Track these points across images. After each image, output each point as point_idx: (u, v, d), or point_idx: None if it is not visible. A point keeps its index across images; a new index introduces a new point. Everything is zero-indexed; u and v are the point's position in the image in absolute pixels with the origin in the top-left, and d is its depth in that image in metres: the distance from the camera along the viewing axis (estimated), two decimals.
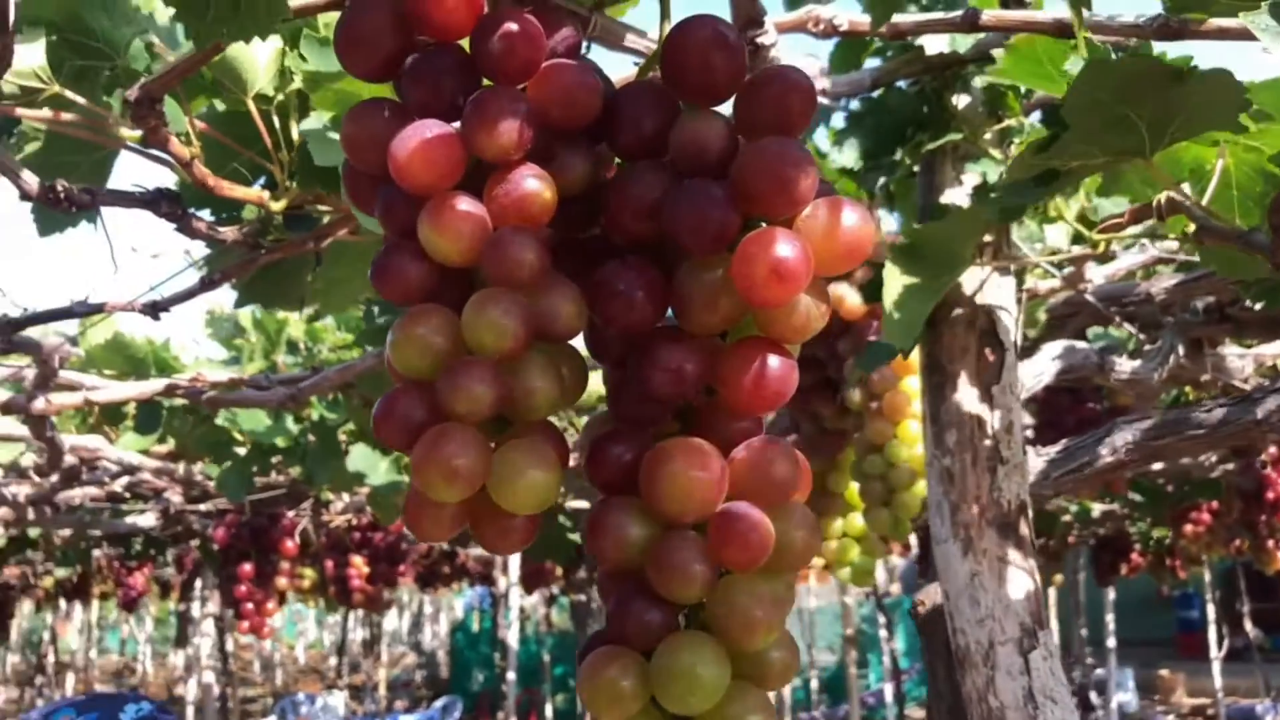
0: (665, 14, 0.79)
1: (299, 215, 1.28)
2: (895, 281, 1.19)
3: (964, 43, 1.25)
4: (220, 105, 1.18)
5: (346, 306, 1.59)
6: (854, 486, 1.79)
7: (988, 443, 1.33)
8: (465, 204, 0.68)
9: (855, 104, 1.33)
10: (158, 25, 1.06)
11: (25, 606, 11.28)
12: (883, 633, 11.88)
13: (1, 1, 0.79)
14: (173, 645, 9.89)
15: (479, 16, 0.68)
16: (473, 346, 0.67)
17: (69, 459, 2.05)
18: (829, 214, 0.67)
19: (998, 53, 1.18)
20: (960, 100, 1.37)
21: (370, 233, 1.35)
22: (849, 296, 1.66)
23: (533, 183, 0.68)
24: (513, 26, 0.67)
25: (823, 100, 1.27)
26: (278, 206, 1.18)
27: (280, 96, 1.18)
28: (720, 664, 0.68)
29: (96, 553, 5.67)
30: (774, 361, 0.69)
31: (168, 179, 1.22)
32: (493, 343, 0.66)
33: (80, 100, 1.04)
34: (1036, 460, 1.63)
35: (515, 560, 9.60)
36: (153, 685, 15.97)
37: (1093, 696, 11.03)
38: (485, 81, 0.70)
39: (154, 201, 1.11)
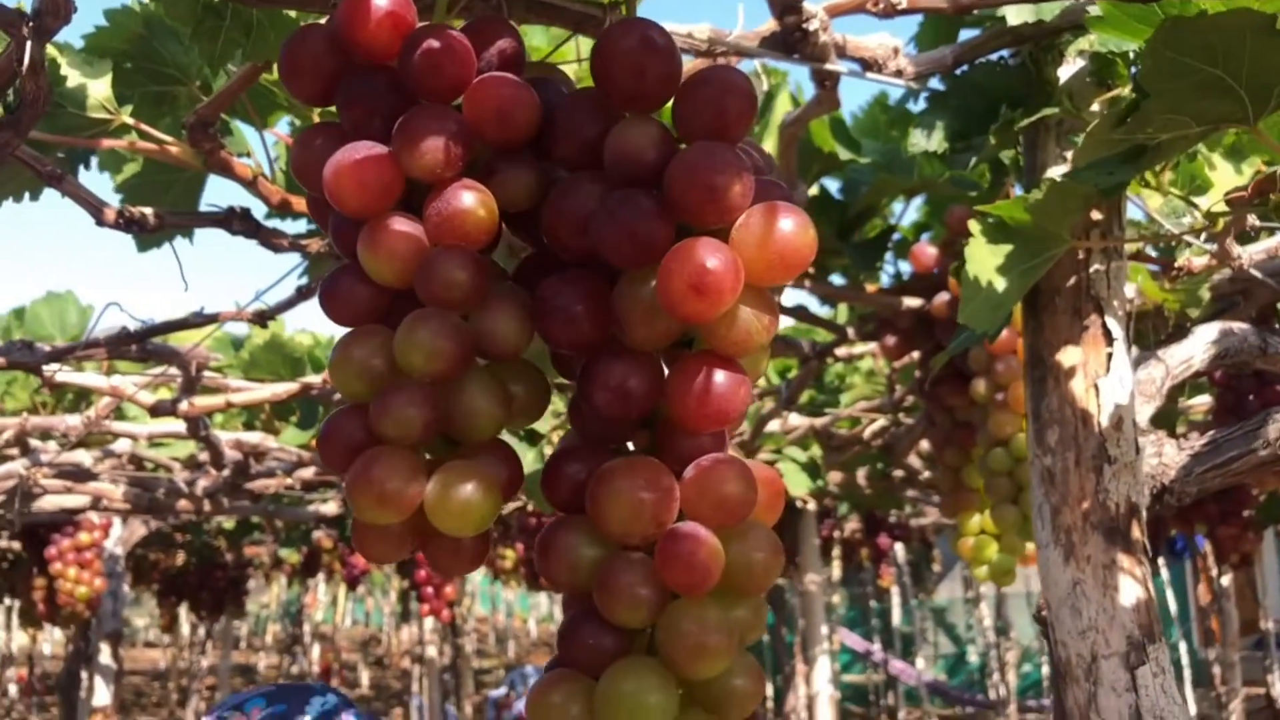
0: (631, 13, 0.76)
1: None
2: (979, 258, 1.11)
3: (1050, 10, 1.15)
4: (297, 121, 1.23)
5: None
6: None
7: (1093, 441, 1.23)
8: (401, 224, 0.68)
9: (938, 84, 1.24)
10: None
11: (280, 580, 12.12)
12: None
13: (24, 44, 0.84)
14: (405, 618, 10.41)
15: (405, 36, 0.67)
16: (404, 368, 0.67)
17: (234, 454, 2.20)
18: (763, 221, 0.63)
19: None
20: (1065, 71, 1.26)
21: None
22: None
23: (467, 199, 0.67)
24: (435, 44, 0.66)
25: (901, 83, 1.20)
26: None
27: None
28: (665, 691, 0.65)
29: (316, 534, 6.06)
30: (719, 377, 0.65)
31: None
32: (422, 364, 0.66)
33: (147, 129, 1.10)
34: (1178, 455, 1.49)
35: None
36: (395, 654, 16.93)
37: None
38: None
39: (226, 220, 1.16)
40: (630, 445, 0.73)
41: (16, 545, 4.99)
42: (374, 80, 0.69)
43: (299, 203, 1.19)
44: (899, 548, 10.03)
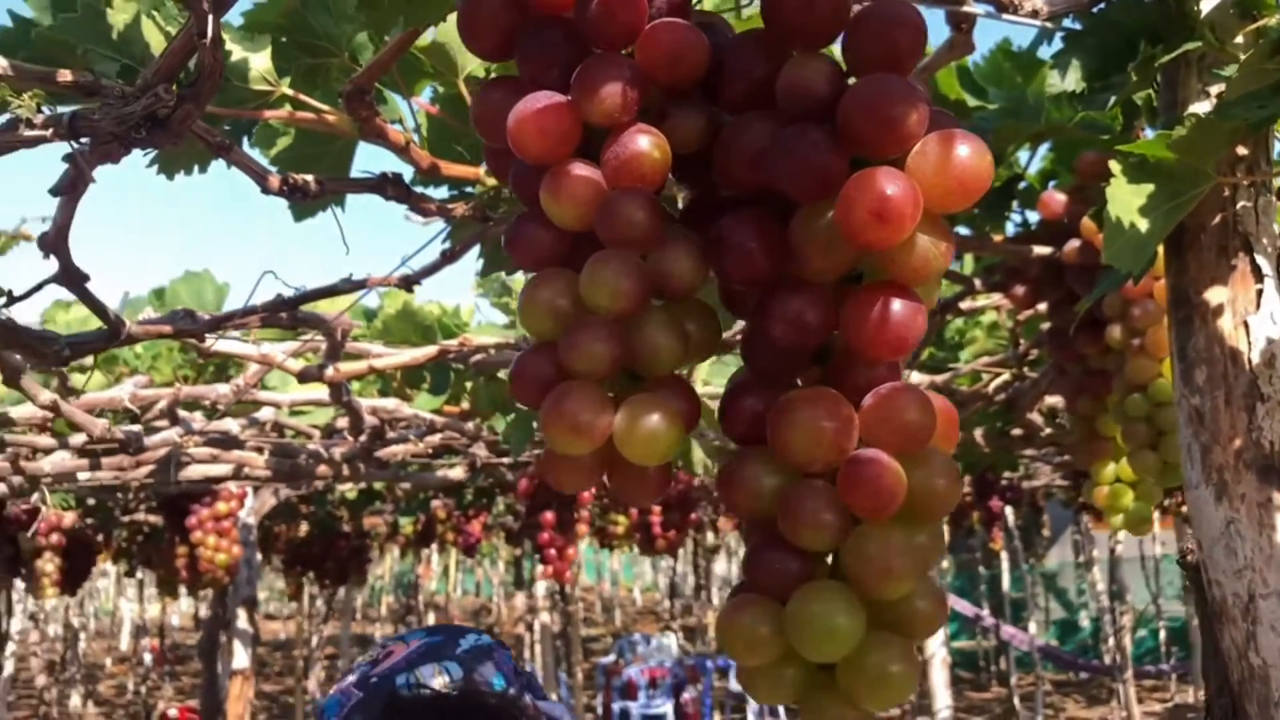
0: None
1: None
2: (1121, 198, 1.10)
3: None
4: (440, 89, 1.27)
5: None
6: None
7: (1244, 379, 1.21)
8: (580, 170, 0.71)
9: (1074, 23, 1.23)
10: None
11: (394, 551, 12.43)
12: None
13: (205, 18, 0.89)
14: (518, 586, 10.61)
15: None
16: (590, 307, 0.70)
17: (372, 420, 2.27)
18: (941, 148, 0.64)
19: None
20: (1206, 4, 1.24)
21: None
22: None
23: (642, 142, 0.70)
24: None
25: (1037, 22, 1.19)
26: (494, 181, 1.25)
27: (490, 76, 1.24)
28: (854, 613, 0.67)
29: (435, 503, 6.22)
30: (897, 305, 0.67)
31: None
32: (607, 302, 0.69)
33: (305, 99, 1.15)
34: None
35: None
36: (505, 623, 17.27)
37: None
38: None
39: (380, 186, 1.21)
40: (799, 382, 0.75)
41: (152, 518, 5.23)
42: (551, 32, 0.72)
43: (447, 167, 1.23)
44: (1008, 512, 9.89)
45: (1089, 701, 12.56)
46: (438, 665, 1.28)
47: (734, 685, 12.95)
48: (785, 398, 0.70)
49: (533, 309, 0.72)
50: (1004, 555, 11.71)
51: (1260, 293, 1.24)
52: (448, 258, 1.41)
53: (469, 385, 2.45)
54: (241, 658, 3.86)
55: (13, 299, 1.17)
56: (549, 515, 3.67)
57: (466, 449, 3.13)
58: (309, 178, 1.14)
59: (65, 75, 0.98)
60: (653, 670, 13.20)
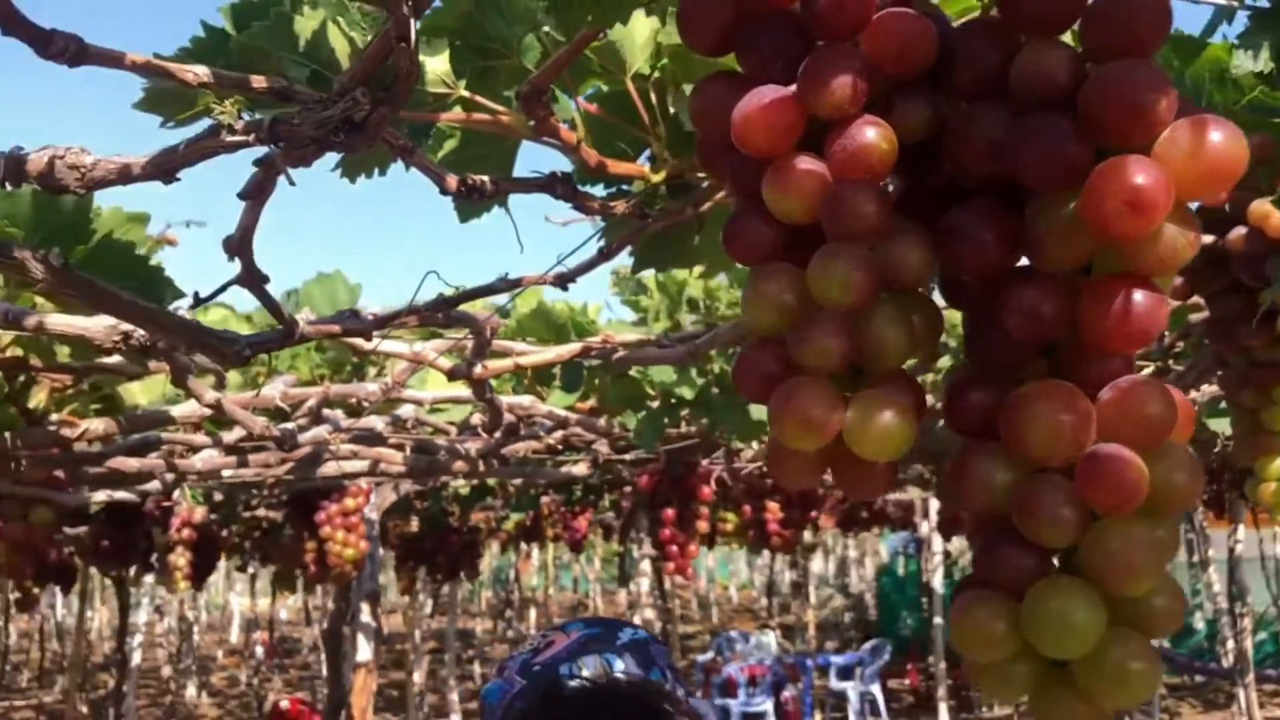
0: None
1: (681, 184, 1.36)
2: None
3: None
4: (604, 87, 1.28)
5: (730, 264, 1.65)
6: None
7: None
8: (805, 163, 0.70)
9: (1263, 1, 1.19)
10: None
11: (493, 547, 12.60)
12: None
13: (406, 22, 0.91)
14: (622, 582, 10.68)
15: None
16: (819, 301, 0.70)
17: (508, 416, 2.30)
18: (1192, 134, 0.63)
19: None
20: None
21: None
22: (1275, 214, 1.50)
23: (870, 134, 0.69)
24: None
25: (1224, 0, 1.16)
26: (658, 178, 1.25)
27: (655, 74, 1.25)
28: (1095, 609, 0.66)
29: (544, 499, 6.27)
30: (1139, 297, 0.65)
31: (560, 162, 1.33)
32: (838, 296, 0.68)
33: (482, 100, 1.16)
34: None
35: (933, 505, 9.48)
36: None
37: None
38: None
39: (550, 185, 1.22)
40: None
41: (272, 514, 5.37)
42: (774, 25, 0.72)
43: (613, 165, 1.24)
44: None
45: (1205, 706, 12.17)
46: (599, 657, 1.29)
47: (834, 684, 12.85)
48: (1021, 392, 0.69)
49: (758, 303, 0.72)
50: None
51: None
52: (605, 255, 1.42)
53: (596, 383, 2.47)
54: (365, 651, 3.95)
55: (200, 300, 1.20)
56: (670, 512, 3.68)
57: (589, 445, 3.16)
58: (485, 178, 1.16)
59: (260, 81, 1.01)
60: (752, 668, 13.15)
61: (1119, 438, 0.67)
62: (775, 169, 0.71)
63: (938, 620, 9.39)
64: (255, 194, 1.10)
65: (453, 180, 1.15)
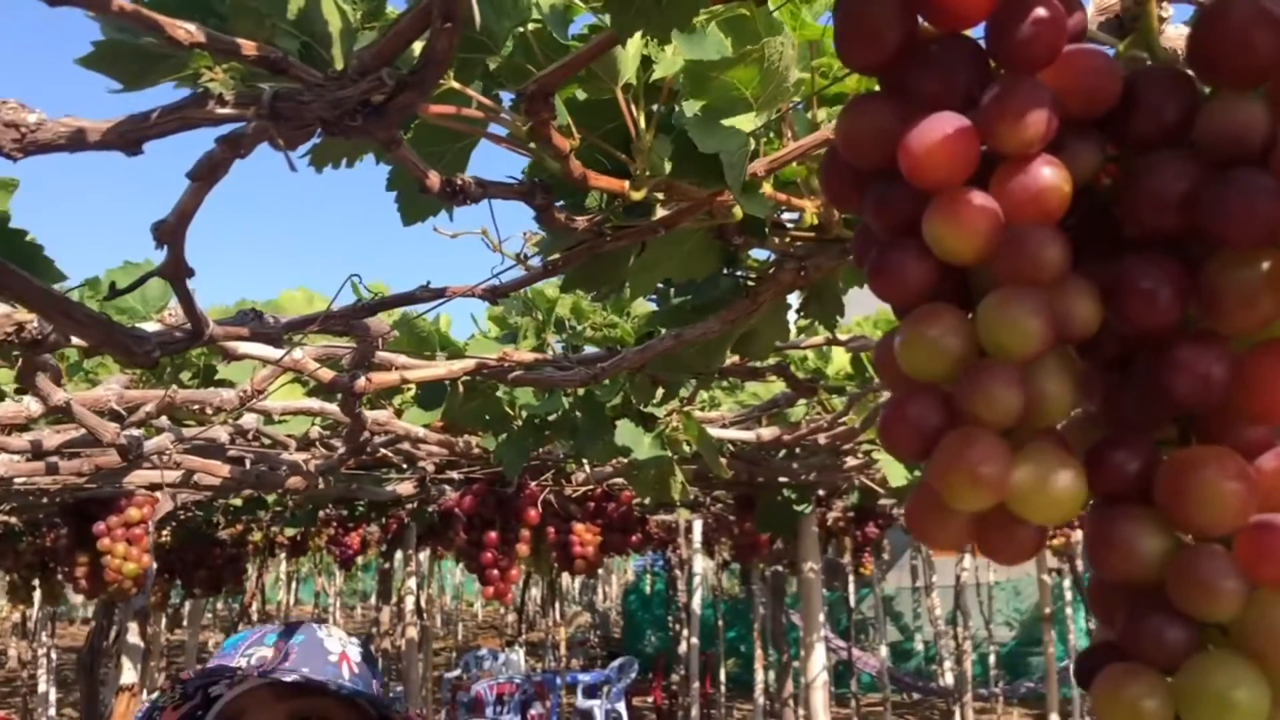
0: None
1: (636, 205, 1.28)
2: None
3: None
4: (581, 96, 1.19)
5: (652, 288, 1.59)
6: None
7: None
8: (980, 199, 0.65)
9: None
10: (543, 13, 1.07)
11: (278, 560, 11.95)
12: (1067, 610, 11.50)
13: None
14: (376, 599, 10.34)
15: (997, 2, 0.65)
16: (991, 349, 0.65)
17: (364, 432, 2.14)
18: None
19: None
20: None
21: (699, 219, 1.34)
22: None
23: (1051, 175, 0.65)
24: (1041, 12, 0.64)
25: None
26: (637, 195, 1.18)
27: (642, 86, 1.17)
28: (1258, 688, 0.63)
29: (321, 513, 5.96)
30: None
31: (508, 168, 1.23)
32: (1018, 345, 0.63)
33: (475, 95, 1.05)
34: None
35: (698, 527, 9.68)
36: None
37: None
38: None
39: (529, 192, 1.12)
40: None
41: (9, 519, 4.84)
42: (955, 49, 0.66)
43: (595, 179, 1.15)
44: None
45: None
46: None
47: (581, 702, 12.90)
48: (1182, 456, 0.66)
49: (920, 347, 0.66)
50: (851, 579, 12.03)
51: None
52: (549, 270, 1.33)
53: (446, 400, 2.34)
54: (129, 673, 3.59)
55: (116, 291, 1.03)
56: (493, 535, 3.54)
57: (415, 463, 3.00)
58: (469, 179, 1.05)
59: (251, 48, 0.87)
60: (500, 686, 13.03)
61: (1277, 508, 0.65)
62: (947, 203, 0.65)
63: (694, 640, 9.58)
64: (206, 175, 0.95)
65: (435, 179, 1.04)
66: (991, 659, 13.11)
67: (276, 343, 1.29)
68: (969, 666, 11.13)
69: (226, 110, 0.84)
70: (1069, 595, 11.27)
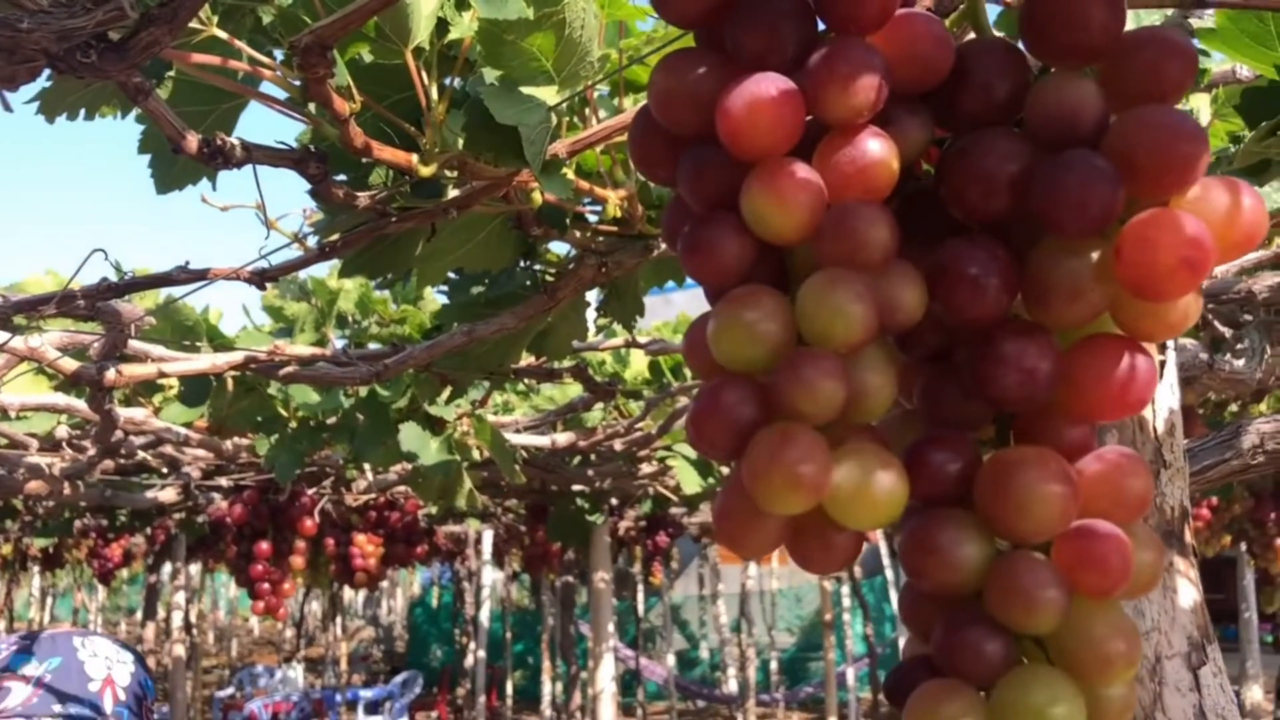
0: None
1: (425, 183, 1.18)
2: None
3: None
4: (367, 58, 1.08)
5: (442, 277, 1.49)
6: None
7: (1150, 446, 1.26)
8: (804, 171, 0.59)
9: None
10: None
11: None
12: (845, 616, 11.91)
13: None
14: (141, 615, 9.72)
15: None
16: (812, 336, 0.58)
17: (117, 432, 1.93)
18: (1229, 197, 0.59)
19: (1205, 25, 1.10)
20: None
21: (495, 204, 1.25)
22: None
23: (879, 149, 0.59)
24: None
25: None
26: (426, 171, 1.08)
27: (430, 51, 1.07)
28: (1075, 703, 0.60)
29: (77, 523, 5.49)
30: (1141, 363, 0.61)
31: (281, 134, 1.11)
32: (841, 333, 0.58)
33: (244, 47, 0.93)
34: None
35: (488, 537, 9.52)
36: None
37: None
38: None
39: (303, 161, 1.01)
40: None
41: None
42: (781, 2, 0.60)
43: (379, 150, 1.04)
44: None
45: None
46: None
47: (362, 719, 12.49)
48: (1004, 457, 0.61)
49: (735, 333, 0.59)
50: (640, 588, 12.11)
51: (1163, 364, 1.30)
52: (325, 253, 1.21)
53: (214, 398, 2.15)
54: None
55: None
56: (264, 546, 3.29)
57: (178, 468, 2.76)
58: (235, 141, 0.93)
59: None
60: (276, 704, 12.49)
61: (1101, 513, 0.62)
62: (768, 175, 0.59)
63: (481, 654, 9.42)
64: None
65: (193, 140, 0.91)
66: (773, 665, 13.44)
67: (7, 326, 1.13)
68: (752, 673, 11.38)
69: None
70: (847, 602, 11.65)
